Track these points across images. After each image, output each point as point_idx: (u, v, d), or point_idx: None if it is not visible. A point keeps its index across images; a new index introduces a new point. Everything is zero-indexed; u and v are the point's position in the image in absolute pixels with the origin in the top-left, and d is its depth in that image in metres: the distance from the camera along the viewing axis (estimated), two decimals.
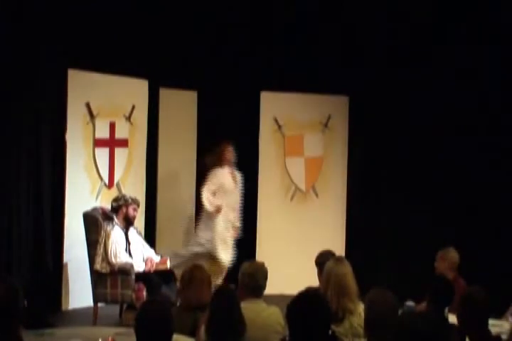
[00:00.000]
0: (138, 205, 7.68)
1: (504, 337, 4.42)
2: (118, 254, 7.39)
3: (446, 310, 5.44)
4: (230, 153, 8.43)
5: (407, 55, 8.89)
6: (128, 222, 7.59)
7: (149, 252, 7.73)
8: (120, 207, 7.55)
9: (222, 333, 3.96)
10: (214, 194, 8.36)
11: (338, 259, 5.18)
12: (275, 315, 4.76)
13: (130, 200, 7.59)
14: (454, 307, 5.50)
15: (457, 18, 8.60)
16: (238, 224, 8.57)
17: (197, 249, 8.35)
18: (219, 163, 8.39)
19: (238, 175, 8.56)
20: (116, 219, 7.55)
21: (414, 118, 8.94)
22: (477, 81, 8.55)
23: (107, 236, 7.42)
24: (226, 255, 8.37)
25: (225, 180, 8.43)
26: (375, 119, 9.27)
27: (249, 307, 4.39)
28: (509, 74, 8.42)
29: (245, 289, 4.78)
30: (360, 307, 4.77)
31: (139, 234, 7.83)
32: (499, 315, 5.75)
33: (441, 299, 4.80)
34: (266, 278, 4.90)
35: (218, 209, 8.33)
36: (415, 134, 8.95)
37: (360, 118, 9.40)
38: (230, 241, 8.49)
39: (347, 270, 4.94)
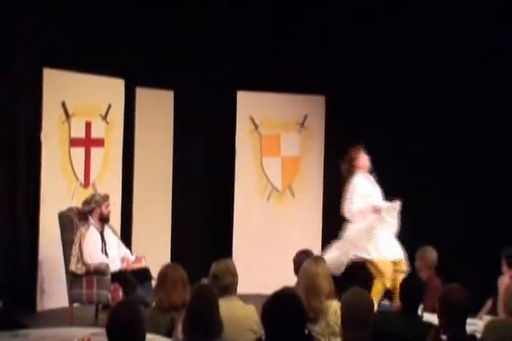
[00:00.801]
0: (108, 199, 7.62)
1: (479, 335, 4.45)
2: (94, 255, 7.35)
3: (421, 308, 5.48)
4: (364, 159, 7.77)
5: (383, 54, 8.93)
6: (104, 220, 7.56)
7: (125, 251, 7.70)
8: (93, 210, 7.51)
9: (198, 333, 3.95)
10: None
11: (314, 259, 5.18)
12: (251, 314, 4.76)
13: (101, 200, 7.53)
14: (429, 306, 5.56)
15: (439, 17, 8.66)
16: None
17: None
18: (354, 170, 7.72)
19: (373, 178, 7.85)
20: (91, 220, 7.52)
21: (390, 118, 8.98)
22: (455, 78, 8.60)
23: (82, 236, 7.38)
24: (378, 250, 7.45)
25: (364, 186, 7.74)
26: (352, 119, 9.29)
27: (223, 305, 4.39)
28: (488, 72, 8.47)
29: (216, 289, 4.76)
30: (336, 306, 4.78)
31: (115, 233, 7.80)
32: (474, 313, 5.78)
33: (411, 298, 4.81)
34: (233, 275, 4.88)
35: (375, 209, 7.56)
36: (391, 133, 8.99)
37: (336, 117, 9.43)
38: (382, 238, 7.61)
39: (320, 270, 4.94)
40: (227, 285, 4.82)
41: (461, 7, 8.35)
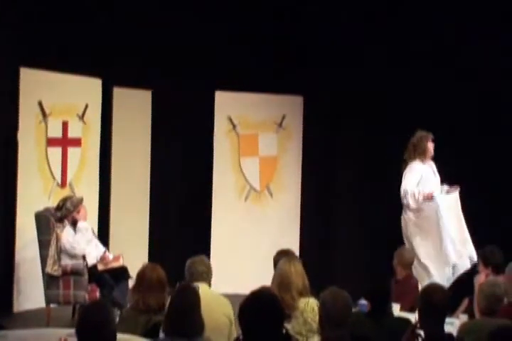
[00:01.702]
0: (81, 202, 7.56)
1: (455, 334, 4.49)
2: (73, 244, 7.29)
3: (397, 306, 5.51)
4: (430, 146, 7.38)
5: (360, 54, 8.96)
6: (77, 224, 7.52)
7: (102, 251, 7.67)
8: (65, 217, 7.46)
9: (179, 332, 3.94)
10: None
11: (289, 258, 5.23)
12: (224, 302, 4.94)
13: (71, 207, 7.44)
14: (406, 305, 5.59)
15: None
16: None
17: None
18: (420, 157, 7.36)
19: (434, 167, 7.48)
20: (66, 221, 7.46)
21: (368, 118, 9.02)
22: (429, 78, 8.65)
23: (58, 238, 7.33)
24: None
25: (421, 171, 7.39)
26: (330, 119, 9.32)
27: None
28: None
29: (188, 280, 4.97)
30: (313, 303, 4.85)
31: (92, 233, 7.76)
32: (451, 312, 5.82)
33: (379, 298, 4.80)
34: (207, 266, 5.05)
35: (429, 197, 7.19)
36: (369, 133, 9.03)
37: (314, 118, 9.45)
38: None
39: (293, 268, 5.01)
40: (201, 273, 4.99)
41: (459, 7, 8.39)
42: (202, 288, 4.80)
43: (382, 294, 4.81)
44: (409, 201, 7.30)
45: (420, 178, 7.35)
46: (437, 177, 7.51)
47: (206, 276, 5.04)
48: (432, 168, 7.51)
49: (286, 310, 4.71)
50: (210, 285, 5.08)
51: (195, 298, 4.09)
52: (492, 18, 8.31)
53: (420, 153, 7.38)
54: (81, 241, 7.37)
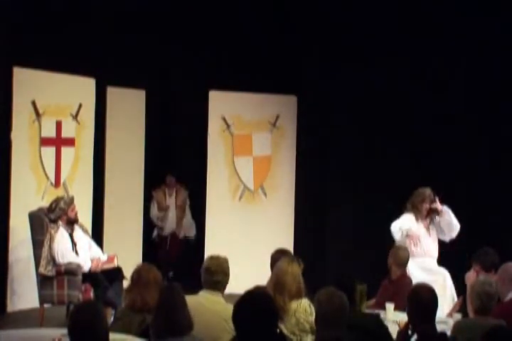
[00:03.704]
0: (73, 201, 7.56)
1: (449, 333, 4.49)
2: (66, 254, 7.30)
3: (391, 306, 5.52)
4: (425, 208, 7.40)
5: (355, 54, 8.97)
6: (72, 223, 7.50)
7: (96, 251, 7.66)
8: (60, 217, 7.44)
9: (167, 332, 3.94)
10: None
11: (289, 258, 5.21)
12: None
13: (65, 206, 7.44)
14: (400, 304, 5.60)
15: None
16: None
17: None
18: (415, 211, 7.45)
19: (432, 226, 7.50)
20: (60, 222, 7.45)
21: (361, 117, 9.03)
22: (419, 79, 8.67)
23: (52, 239, 7.31)
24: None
25: (409, 224, 7.43)
26: (323, 118, 9.33)
27: (204, 296, 4.67)
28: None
29: (203, 283, 4.90)
30: (306, 303, 4.85)
31: (86, 233, 7.75)
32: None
33: (343, 286, 4.73)
34: (224, 273, 4.96)
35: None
36: (362, 133, 9.04)
37: (308, 117, 9.46)
38: None
39: (290, 269, 4.99)
40: (216, 282, 4.89)
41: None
42: (211, 297, 4.80)
43: (347, 282, 4.81)
44: (397, 234, 7.35)
45: (410, 227, 7.38)
46: (432, 236, 7.49)
47: (220, 285, 4.91)
48: (425, 225, 7.47)
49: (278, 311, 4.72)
50: (224, 288, 4.96)
51: (179, 297, 4.09)
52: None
53: (418, 210, 7.43)
54: (71, 255, 7.33)
